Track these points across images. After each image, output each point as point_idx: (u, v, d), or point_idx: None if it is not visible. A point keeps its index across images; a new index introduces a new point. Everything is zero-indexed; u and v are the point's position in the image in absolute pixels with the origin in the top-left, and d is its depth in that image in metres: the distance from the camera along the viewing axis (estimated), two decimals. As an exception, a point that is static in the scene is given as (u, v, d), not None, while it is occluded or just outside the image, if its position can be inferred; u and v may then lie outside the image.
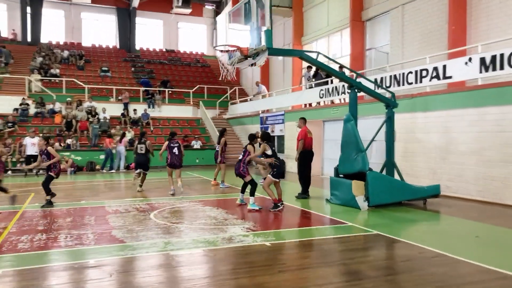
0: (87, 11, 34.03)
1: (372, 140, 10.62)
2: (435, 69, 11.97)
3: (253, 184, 9.60)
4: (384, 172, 10.63)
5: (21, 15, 31.06)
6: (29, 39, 31.44)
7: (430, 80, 12.16)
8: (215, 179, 14.30)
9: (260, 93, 23.55)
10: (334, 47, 22.06)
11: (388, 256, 5.83)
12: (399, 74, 13.22)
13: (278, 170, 9.31)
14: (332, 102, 17.26)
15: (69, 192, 12.50)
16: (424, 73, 12.35)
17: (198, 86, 28.73)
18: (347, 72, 13.89)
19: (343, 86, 15.65)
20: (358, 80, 10.71)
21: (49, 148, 9.70)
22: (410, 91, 13.08)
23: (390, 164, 10.58)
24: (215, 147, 14.70)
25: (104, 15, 34.63)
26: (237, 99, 27.61)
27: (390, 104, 10.58)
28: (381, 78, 13.95)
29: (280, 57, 26.76)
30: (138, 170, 12.33)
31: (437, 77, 11.90)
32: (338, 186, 10.16)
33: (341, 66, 12.61)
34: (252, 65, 9.04)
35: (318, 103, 18.26)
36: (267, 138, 9.46)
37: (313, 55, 9.82)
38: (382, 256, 5.85)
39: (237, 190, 11.29)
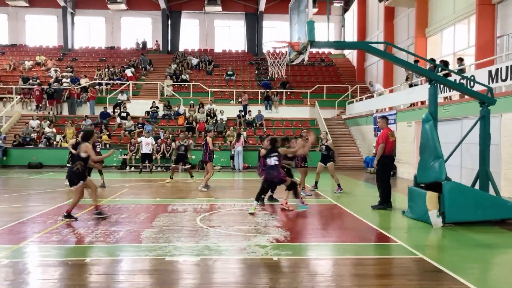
0: (219, 18, 36.18)
1: (459, 144, 8.92)
2: (561, 55, 9.51)
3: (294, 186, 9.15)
4: (477, 184, 8.84)
5: (162, 27, 34.54)
6: (169, 48, 34.79)
7: (554, 70, 9.72)
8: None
9: (375, 92, 21.97)
10: (461, 37, 19.32)
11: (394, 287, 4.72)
12: (517, 64, 10.87)
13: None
14: (448, 98, 15.12)
15: (158, 189, 13.33)
16: (547, 61, 9.93)
17: (317, 86, 28.15)
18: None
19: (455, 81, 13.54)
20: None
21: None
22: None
23: (484, 174, 8.73)
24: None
25: (234, 21, 36.39)
26: (357, 98, 26.24)
27: (485, 101, 8.72)
28: (496, 70, 11.66)
29: (403, 52, 24.67)
30: None
31: None
32: (414, 197, 8.78)
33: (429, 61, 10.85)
34: (302, 60, 8.35)
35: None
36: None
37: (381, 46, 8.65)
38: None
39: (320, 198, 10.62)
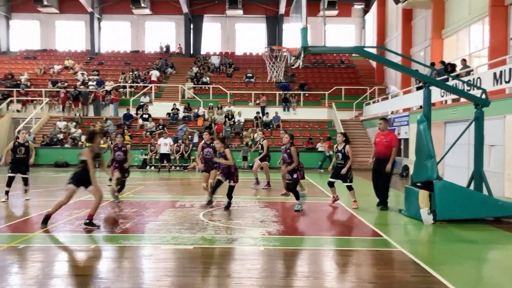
0: (241, 22, 36.83)
1: (453, 145, 9.18)
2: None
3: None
4: (472, 184, 9.08)
5: (185, 30, 35.48)
6: (191, 51, 35.70)
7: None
8: None
9: (389, 94, 22.13)
10: (476, 38, 19.29)
11: (361, 274, 5.14)
12: (520, 66, 11.00)
13: None
14: (455, 100, 15.22)
15: (171, 187, 14.00)
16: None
17: (335, 87, 28.41)
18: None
19: (462, 84, 13.67)
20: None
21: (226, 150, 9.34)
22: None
23: (478, 174, 8.96)
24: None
25: (255, 24, 36.97)
26: (375, 99, 26.35)
27: (480, 103, 8.96)
28: (500, 72, 11.80)
29: (422, 53, 24.72)
30: None
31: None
32: (410, 196, 9.10)
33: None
34: (299, 65, 8.82)
35: (445, 102, 16.32)
36: None
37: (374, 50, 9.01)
38: (355, 274, 5.18)
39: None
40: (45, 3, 32.00)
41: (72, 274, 5.15)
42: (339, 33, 37.56)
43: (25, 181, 10.74)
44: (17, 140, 10.83)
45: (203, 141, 10.44)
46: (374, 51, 9.20)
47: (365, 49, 8.97)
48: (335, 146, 10.28)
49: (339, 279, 5.03)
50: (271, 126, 24.63)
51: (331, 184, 10.22)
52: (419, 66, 23.79)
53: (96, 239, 6.81)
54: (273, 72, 9.46)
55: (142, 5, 32.65)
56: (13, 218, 8.60)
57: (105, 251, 6.12)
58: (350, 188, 9.94)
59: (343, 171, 9.66)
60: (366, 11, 36.20)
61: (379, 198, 9.99)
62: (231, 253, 6.06)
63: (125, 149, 10.72)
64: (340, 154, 9.83)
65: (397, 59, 26.94)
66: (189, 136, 22.47)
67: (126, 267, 5.46)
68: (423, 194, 8.40)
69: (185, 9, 34.48)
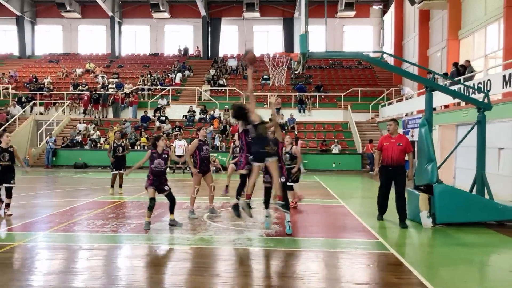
0: (258, 24, 37.12)
1: (454, 149, 9.21)
2: None
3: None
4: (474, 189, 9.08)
5: (203, 33, 35.98)
6: (209, 54, 36.18)
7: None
8: None
9: (404, 96, 22.03)
10: (491, 39, 19.02)
11: (345, 275, 5.30)
12: (528, 68, 10.89)
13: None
14: (468, 103, 15.09)
15: (183, 188, 14.34)
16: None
17: (351, 89, 28.36)
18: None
19: (468, 87, 13.56)
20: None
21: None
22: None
23: (480, 178, 8.96)
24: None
25: (272, 26, 37.17)
26: (391, 101, 26.20)
27: (481, 107, 8.95)
28: (510, 75, 11.68)
29: (439, 54, 24.49)
30: None
31: None
32: (411, 199, 9.16)
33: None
34: (301, 70, 8.99)
35: (458, 103, 16.17)
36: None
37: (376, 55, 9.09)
38: (339, 276, 5.35)
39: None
40: (68, 8, 33.01)
41: (65, 271, 5.46)
42: (358, 34, 37.43)
43: (8, 192, 8.99)
44: None
45: (197, 139, 8.90)
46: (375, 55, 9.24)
47: (365, 53, 9.06)
48: (283, 148, 10.17)
49: (321, 280, 5.18)
50: (285, 128, 24.77)
51: (290, 188, 9.69)
52: (435, 67, 23.70)
53: (99, 239, 7.14)
54: (275, 77, 9.66)
55: (161, 9, 33.33)
56: (26, 217, 9.03)
57: (104, 250, 6.42)
58: (291, 188, 9.73)
59: (294, 171, 9.89)
60: (384, 11, 35.97)
61: (382, 210, 8.87)
62: (223, 253, 6.30)
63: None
64: (288, 155, 10.01)
65: (414, 60, 26.97)
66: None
67: (121, 265, 5.75)
68: (422, 197, 8.47)
69: (203, 12, 34.97)
